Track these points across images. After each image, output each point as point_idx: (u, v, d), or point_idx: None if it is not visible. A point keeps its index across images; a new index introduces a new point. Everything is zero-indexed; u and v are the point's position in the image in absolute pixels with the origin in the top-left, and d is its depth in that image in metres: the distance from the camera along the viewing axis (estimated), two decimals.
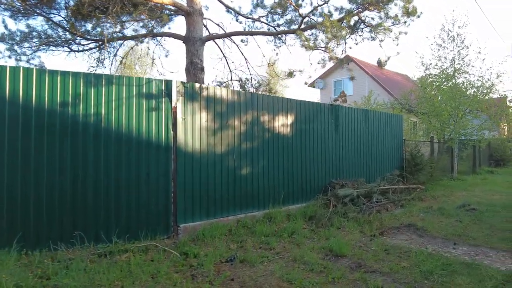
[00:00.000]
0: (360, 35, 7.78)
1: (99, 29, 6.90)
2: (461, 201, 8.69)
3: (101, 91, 5.03)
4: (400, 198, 8.31)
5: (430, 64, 13.81)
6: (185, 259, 4.52)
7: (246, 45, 9.20)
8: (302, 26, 7.64)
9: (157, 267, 4.14)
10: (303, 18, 7.57)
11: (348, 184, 7.96)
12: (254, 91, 9.72)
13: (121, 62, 8.54)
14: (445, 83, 13.42)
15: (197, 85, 5.75)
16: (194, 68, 7.14)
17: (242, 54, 9.36)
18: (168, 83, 5.51)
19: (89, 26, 6.97)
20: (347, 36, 7.12)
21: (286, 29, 7.89)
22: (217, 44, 8.92)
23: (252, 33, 8.33)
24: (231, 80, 9.59)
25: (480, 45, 15.44)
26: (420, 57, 14.02)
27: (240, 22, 8.95)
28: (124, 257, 4.48)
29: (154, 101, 5.37)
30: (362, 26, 7.43)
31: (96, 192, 4.86)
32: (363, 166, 8.98)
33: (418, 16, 7.03)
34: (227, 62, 9.46)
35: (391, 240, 5.56)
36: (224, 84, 9.63)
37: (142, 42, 8.44)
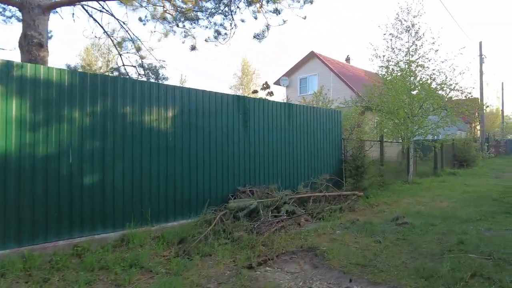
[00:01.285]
0: (261, 6, 6.32)
1: None
2: (400, 211, 7.35)
3: None
4: (324, 208, 6.86)
5: (384, 56, 12.55)
6: None
7: (144, 24, 7.65)
8: None
9: None
10: None
11: (257, 192, 6.46)
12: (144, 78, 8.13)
13: None
14: (399, 77, 12.16)
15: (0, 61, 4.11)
16: (29, 43, 5.43)
17: (128, 33, 7.63)
18: None
19: None
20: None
21: None
22: (96, 21, 7.28)
23: None
24: (123, 65, 7.99)
25: (434, 35, 13.82)
26: (374, 49, 12.74)
27: None
28: None
29: None
30: None
31: None
32: (283, 170, 7.50)
33: None
34: (113, 43, 7.83)
35: (271, 273, 4.06)
36: (118, 71, 8.02)
37: None
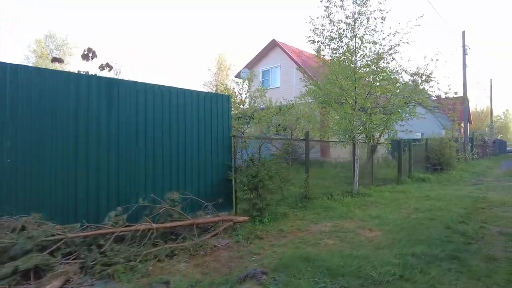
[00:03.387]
0: None
1: None
2: (279, 254, 4.44)
3: None
4: (134, 253, 3.92)
5: (324, 29, 9.60)
6: None
7: None
8: None
9: None
10: None
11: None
12: None
13: None
14: (341, 57, 9.28)
15: None
16: None
17: None
18: None
19: None
20: None
21: None
22: None
23: None
24: None
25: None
26: (312, 24, 9.78)
27: None
28: None
29: None
30: None
31: None
32: (86, 188, 4.54)
33: None
34: None
35: None
36: None
37: None
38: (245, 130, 10.69)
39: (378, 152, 17.63)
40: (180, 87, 5.70)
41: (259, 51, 23.35)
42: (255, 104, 12.29)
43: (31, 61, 31.32)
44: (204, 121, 5.94)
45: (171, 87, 5.56)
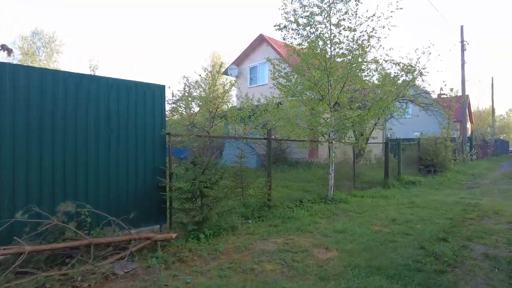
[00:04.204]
0: None
1: None
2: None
3: None
4: None
5: (296, 14, 8.53)
6: None
7: None
8: None
9: None
10: None
11: None
12: None
13: None
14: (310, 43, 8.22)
15: None
16: None
17: None
18: None
19: None
20: None
21: None
22: None
23: None
24: None
25: None
26: (284, 10, 8.68)
27: None
28: None
29: None
30: None
31: None
32: None
33: None
34: None
35: None
36: None
37: None
38: (211, 128, 9.65)
39: (372, 152, 16.55)
40: (97, 75, 4.65)
41: (247, 47, 22.25)
42: (221, 100, 11.20)
43: (16, 58, 30.38)
44: (127, 115, 4.89)
45: (83, 74, 4.52)
